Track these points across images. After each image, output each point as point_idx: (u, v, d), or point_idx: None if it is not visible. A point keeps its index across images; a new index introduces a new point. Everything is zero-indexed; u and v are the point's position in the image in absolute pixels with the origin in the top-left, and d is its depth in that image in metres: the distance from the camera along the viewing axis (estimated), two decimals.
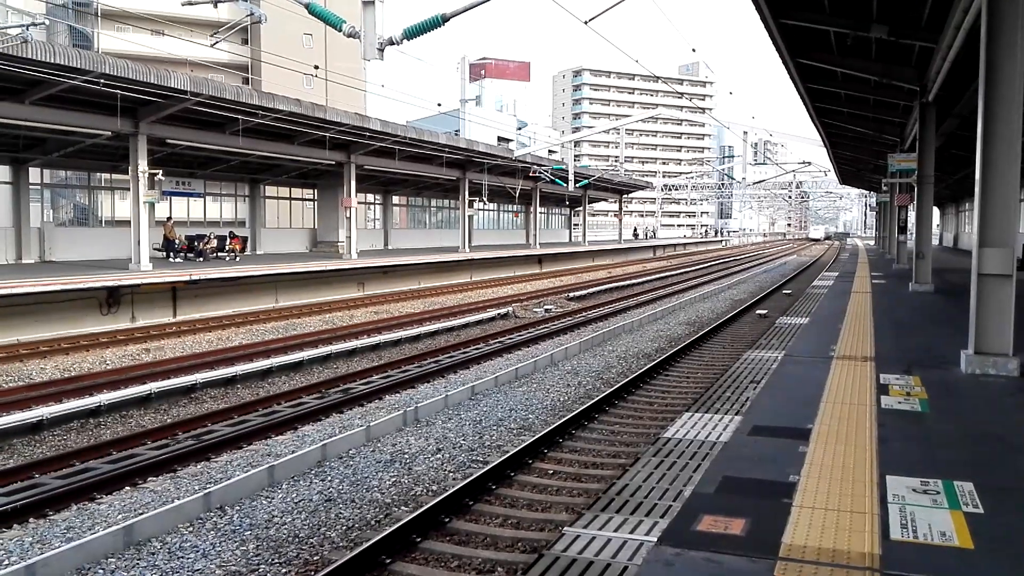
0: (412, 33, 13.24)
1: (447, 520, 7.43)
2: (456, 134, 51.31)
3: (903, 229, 29.05)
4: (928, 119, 18.27)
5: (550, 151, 57.34)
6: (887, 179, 23.34)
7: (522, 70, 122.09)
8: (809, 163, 71.94)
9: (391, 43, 13.23)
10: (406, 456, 9.45)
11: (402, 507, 7.88)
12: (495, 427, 10.83)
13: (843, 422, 6.63)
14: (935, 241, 59.82)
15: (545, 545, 5.87)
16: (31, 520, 7.68)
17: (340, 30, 13.69)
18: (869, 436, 6.21)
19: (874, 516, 4.53)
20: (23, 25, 16.41)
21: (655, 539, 4.33)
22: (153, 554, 6.70)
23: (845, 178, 57.52)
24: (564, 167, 43.06)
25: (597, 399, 11.80)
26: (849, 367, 9.15)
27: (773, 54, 16.78)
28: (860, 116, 24.45)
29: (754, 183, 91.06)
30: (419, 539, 6.99)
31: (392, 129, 28.45)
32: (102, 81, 18.15)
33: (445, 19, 13.00)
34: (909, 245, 25.06)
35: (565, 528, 5.90)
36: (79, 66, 17.59)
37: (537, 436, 9.80)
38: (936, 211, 63.74)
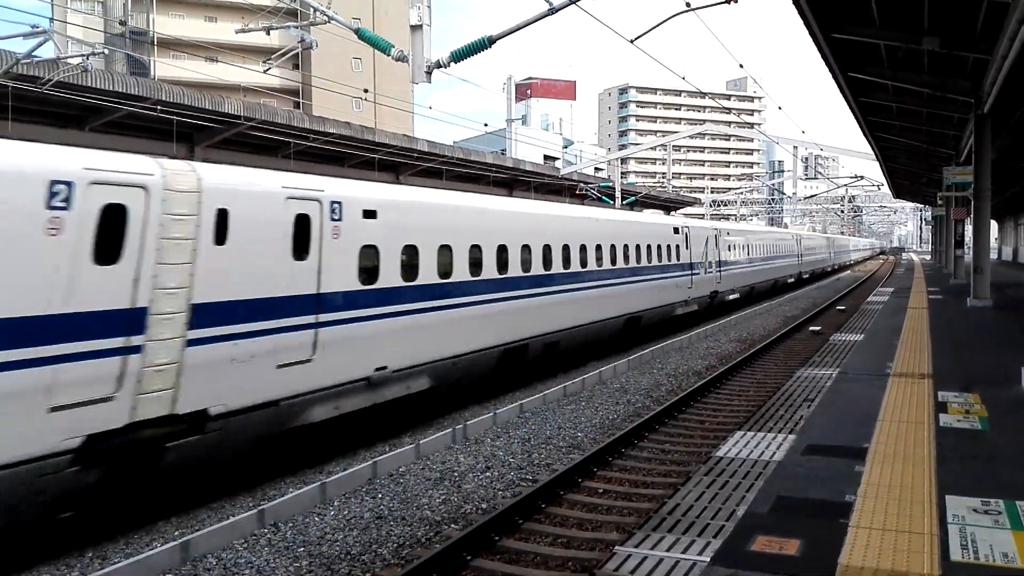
0: (459, 56, 13.35)
1: (497, 538, 7.44)
2: (503, 153, 51.59)
3: (960, 243, 28.43)
4: (984, 131, 17.88)
5: (596, 169, 57.28)
6: (942, 192, 22.86)
7: (568, 89, 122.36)
8: (862, 177, 70.68)
9: (439, 66, 13.36)
10: (455, 474, 9.48)
11: (452, 525, 7.90)
12: (544, 445, 10.81)
13: (900, 441, 6.49)
14: (993, 255, 58.28)
15: (596, 564, 5.84)
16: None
17: (389, 54, 13.88)
18: (927, 455, 6.07)
19: (933, 537, 4.43)
20: (83, 55, 16.96)
21: (708, 559, 4.29)
22: (209, 570, 6.82)
23: (899, 192, 56.44)
24: (611, 184, 43.03)
25: (647, 417, 11.72)
26: (906, 385, 8.96)
27: (823, 68, 16.60)
28: (913, 129, 24.01)
29: (805, 198, 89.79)
30: (470, 557, 7.01)
31: (439, 150, 28.73)
32: (159, 108, 18.66)
33: (492, 41, 13.10)
34: (966, 259, 24.48)
35: (616, 547, 5.86)
36: (137, 93, 18.11)
37: (586, 455, 9.76)
38: (994, 224, 62.20)
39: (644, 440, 11.07)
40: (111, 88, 17.67)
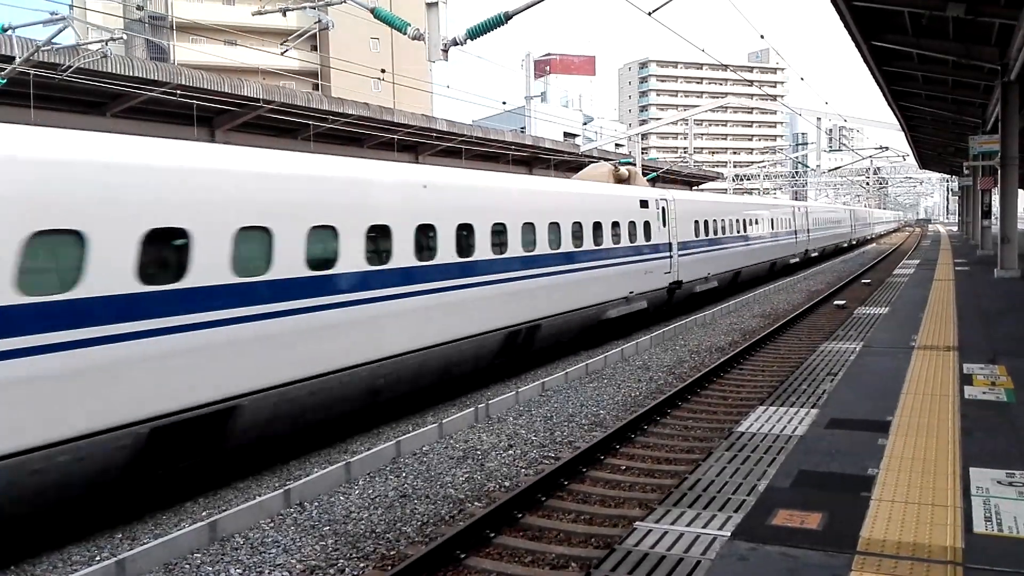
0: (475, 33, 13.31)
1: (520, 516, 7.48)
2: (522, 131, 51.36)
3: (987, 213, 28.02)
4: (1011, 99, 17.57)
5: (617, 145, 56.92)
6: (969, 162, 22.48)
7: (587, 64, 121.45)
8: (886, 148, 69.74)
9: (455, 43, 13.33)
10: (478, 452, 9.53)
11: (475, 503, 7.95)
12: (566, 423, 10.83)
13: (924, 413, 6.44)
14: (1021, 225, 57.17)
15: (618, 540, 5.87)
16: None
17: (405, 33, 13.86)
18: (952, 427, 6.02)
19: (957, 509, 4.40)
20: (103, 40, 17.04)
21: (728, 533, 4.29)
22: (236, 549, 6.91)
23: (925, 162, 55.66)
24: (632, 160, 42.75)
25: (669, 394, 11.71)
26: (931, 357, 8.88)
27: (845, 37, 16.35)
28: (939, 98, 23.65)
29: (829, 170, 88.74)
30: (493, 534, 7.05)
31: (458, 129, 28.68)
32: (179, 92, 18.75)
33: (508, 17, 13.04)
34: (994, 230, 24.13)
35: (637, 523, 5.87)
36: (157, 78, 18.20)
37: (608, 432, 9.77)
38: (1022, 194, 61.09)
39: (667, 417, 11.06)
40: (131, 74, 17.77)
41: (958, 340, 9.98)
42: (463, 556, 6.64)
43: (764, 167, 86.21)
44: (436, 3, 13.35)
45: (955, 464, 5.17)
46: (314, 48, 56.20)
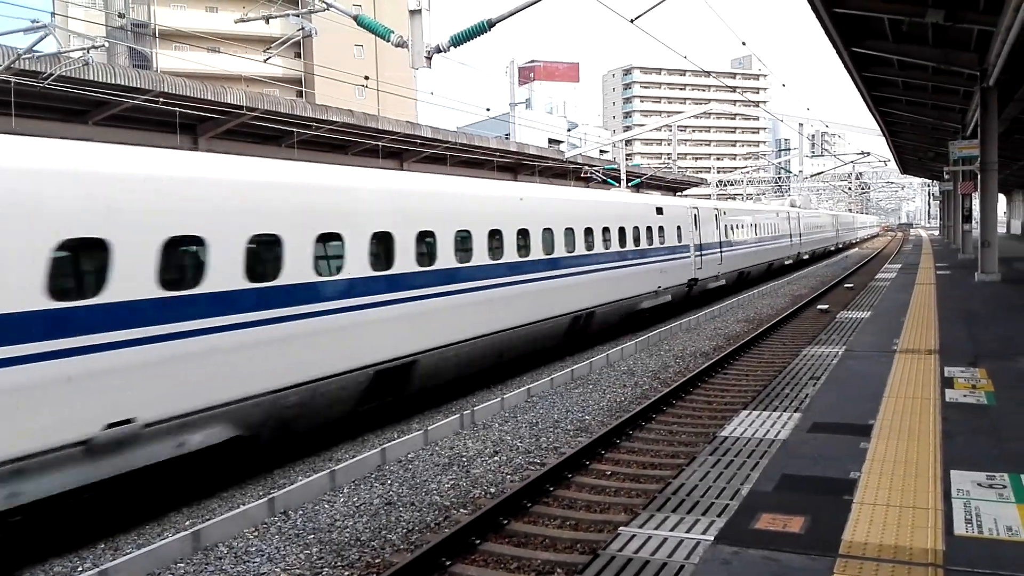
0: (459, 40, 13.31)
1: (505, 522, 7.48)
2: (506, 138, 51.43)
3: (967, 218, 28.28)
4: (990, 104, 17.74)
5: (601, 151, 57.03)
6: (949, 167, 22.71)
7: (571, 71, 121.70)
8: (868, 154, 70.21)
9: (439, 51, 13.33)
10: (464, 459, 9.52)
11: (461, 509, 7.95)
12: (551, 429, 10.84)
13: (906, 417, 6.49)
14: (1001, 229, 57.82)
15: (602, 545, 5.88)
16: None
17: (388, 40, 13.84)
18: (933, 430, 6.07)
19: (937, 511, 4.44)
20: (84, 48, 16.94)
21: (712, 538, 4.31)
22: (220, 559, 6.88)
23: (906, 167, 56.06)
24: (616, 167, 42.85)
25: (654, 399, 11.74)
26: (912, 361, 8.95)
27: (827, 44, 16.50)
28: (919, 103, 23.85)
29: (812, 176, 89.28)
30: (478, 541, 7.05)
31: (443, 136, 28.66)
32: (161, 100, 18.65)
33: (491, 24, 13.05)
34: (974, 234, 24.37)
35: (621, 528, 5.89)
36: (139, 86, 18.11)
37: (594, 437, 9.79)
38: (1002, 198, 61.69)
39: (651, 422, 11.09)
40: (113, 81, 17.66)
41: (939, 344, 10.07)
42: (449, 563, 6.64)
43: (747, 173, 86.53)
44: (419, 10, 13.35)
45: (936, 467, 5.21)
46: (298, 55, 56.09)
